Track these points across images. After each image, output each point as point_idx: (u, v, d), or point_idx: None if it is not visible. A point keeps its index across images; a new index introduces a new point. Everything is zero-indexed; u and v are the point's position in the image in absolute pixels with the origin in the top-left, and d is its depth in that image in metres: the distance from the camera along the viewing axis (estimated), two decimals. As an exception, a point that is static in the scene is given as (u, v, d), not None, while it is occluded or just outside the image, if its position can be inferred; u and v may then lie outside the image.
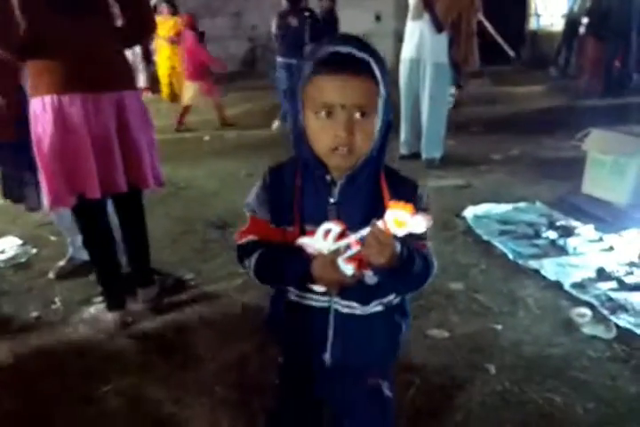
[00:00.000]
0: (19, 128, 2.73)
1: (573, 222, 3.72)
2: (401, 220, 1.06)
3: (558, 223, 3.70)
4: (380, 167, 1.28)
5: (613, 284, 2.94)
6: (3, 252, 3.62)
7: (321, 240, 1.20)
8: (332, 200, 1.26)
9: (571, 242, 3.41)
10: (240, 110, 8.21)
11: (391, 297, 1.36)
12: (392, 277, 1.20)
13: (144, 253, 2.93)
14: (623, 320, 2.63)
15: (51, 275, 3.27)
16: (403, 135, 5.62)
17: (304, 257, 1.22)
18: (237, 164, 5.59)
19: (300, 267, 1.22)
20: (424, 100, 5.36)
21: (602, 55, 9.42)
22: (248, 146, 6.56)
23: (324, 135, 1.18)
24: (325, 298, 1.32)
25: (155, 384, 2.34)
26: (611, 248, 3.36)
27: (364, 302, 1.33)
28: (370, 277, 1.27)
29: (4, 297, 3.08)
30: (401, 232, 1.08)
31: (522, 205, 4.14)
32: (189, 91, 7.48)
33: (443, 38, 5.17)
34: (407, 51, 5.35)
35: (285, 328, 1.42)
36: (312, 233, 1.22)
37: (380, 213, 1.09)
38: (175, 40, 9.84)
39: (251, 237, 1.35)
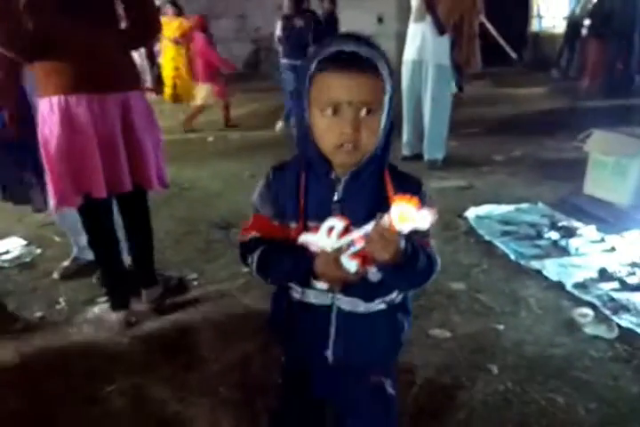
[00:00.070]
0: (21, 129, 2.74)
1: (575, 223, 3.73)
2: (406, 215, 1.05)
3: (560, 224, 3.71)
4: (385, 164, 1.28)
5: (615, 284, 2.95)
6: (7, 252, 3.64)
7: (324, 237, 1.19)
8: (335, 197, 1.26)
9: (573, 243, 3.42)
10: (244, 111, 8.23)
11: (394, 295, 1.37)
12: (396, 273, 1.20)
13: (148, 254, 2.93)
14: (625, 320, 2.64)
15: (55, 275, 3.29)
16: (405, 137, 5.63)
17: (307, 254, 1.22)
18: (241, 164, 5.60)
19: (302, 264, 1.23)
20: (426, 101, 5.37)
21: (604, 57, 9.43)
22: (252, 147, 6.57)
23: (330, 132, 1.18)
24: (328, 295, 1.32)
25: (158, 384, 2.35)
26: (613, 249, 3.37)
27: (368, 300, 1.33)
28: (373, 274, 1.26)
29: (8, 297, 3.08)
30: (406, 228, 1.06)
31: (524, 205, 4.14)
32: (202, 92, 7.51)
33: (445, 40, 5.18)
34: (409, 53, 5.36)
35: (287, 326, 1.42)
36: (316, 230, 1.22)
37: (383, 210, 1.09)
38: (179, 41, 9.86)
39: (254, 234, 1.35)
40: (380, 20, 11.63)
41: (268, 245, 1.32)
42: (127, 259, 2.96)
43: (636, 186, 3.88)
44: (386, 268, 1.18)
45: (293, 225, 1.29)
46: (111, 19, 2.49)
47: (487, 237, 3.62)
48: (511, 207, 4.11)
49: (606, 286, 2.93)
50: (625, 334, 2.58)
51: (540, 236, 3.60)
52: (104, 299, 2.93)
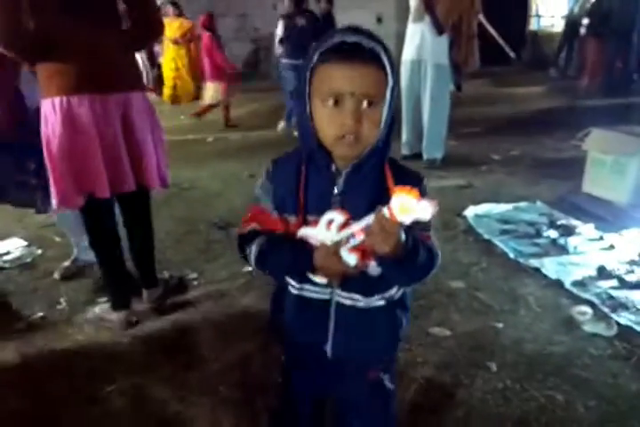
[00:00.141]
0: (19, 131, 2.74)
1: (574, 221, 3.74)
2: (407, 206, 1.04)
3: (559, 222, 3.72)
4: (385, 158, 1.27)
5: (614, 282, 2.96)
6: (8, 253, 3.64)
7: (324, 230, 1.19)
8: (336, 190, 1.26)
9: (571, 241, 3.43)
10: (244, 111, 8.24)
11: (393, 291, 1.36)
12: (396, 267, 1.19)
13: (149, 254, 2.94)
14: (624, 318, 2.65)
15: (56, 275, 3.29)
16: (404, 136, 5.64)
17: (306, 247, 1.22)
18: (241, 165, 5.61)
19: (302, 256, 1.23)
20: (425, 101, 5.38)
21: (603, 56, 9.44)
22: (251, 147, 6.58)
23: (331, 124, 1.18)
24: (327, 290, 1.32)
25: (159, 384, 2.36)
26: (611, 247, 3.38)
27: (367, 295, 1.33)
28: (373, 268, 1.25)
29: (9, 297, 3.10)
30: (407, 219, 1.05)
31: (522, 204, 4.15)
32: (210, 90, 7.55)
33: (443, 40, 5.19)
34: (408, 53, 5.38)
35: (287, 321, 1.42)
36: (315, 223, 1.22)
37: (384, 204, 1.08)
38: (179, 41, 9.88)
39: (253, 226, 1.35)
40: (379, 20, 11.66)
41: (267, 237, 1.31)
42: (127, 259, 2.96)
43: (634, 184, 3.89)
44: (386, 261, 1.18)
45: (293, 219, 1.29)
46: (113, 19, 2.49)
47: (486, 236, 3.63)
48: (510, 206, 4.12)
49: (605, 284, 2.94)
50: (624, 331, 2.58)
51: (538, 234, 3.61)
52: (104, 299, 2.94)
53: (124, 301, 2.82)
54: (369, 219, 1.10)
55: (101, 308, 2.91)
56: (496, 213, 3.99)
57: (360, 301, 1.33)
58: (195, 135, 7.39)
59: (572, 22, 10.92)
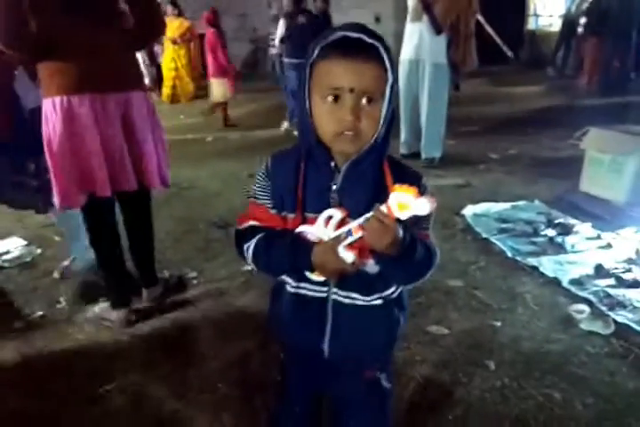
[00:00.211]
0: (15, 131, 2.74)
1: (571, 220, 3.75)
2: (405, 203, 1.05)
3: (557, 221, 3.74)
4: (384, 155, 1.27)
5: (611, 280, 2.97)
6: (8, 252, 3.65)
7: (322, 227, 1.19)
8: (334, 187, 1.26)
9: (569, 240, 3.45)
10: (243, 111, 8.25)
11: (390, 290, 1.36)
12: (394, 265, 1.20)
13: (149, 254, 2.95)
14: (621, 316, 2.66)
15: (55, 275, 3.30)
16: (402, 135, 5.65)
17: (305, 243, 1.22)
18: (240, 164, 5.61)
19: (300, 252, 1.22)
20: (423, 100, 5.39)
21: (600, 55, 9.44)
22: (251, 147, 6.58)
23: (330, 120, 1.18)
24: (324, 288, 1.32)
25: (158, 382, 2.37)
26: (609, 246, 3.39)
27: (364, 294, 1.32)
28: (371, 267, 1.25)
29: (9, 297, 3.11)
30: (405, 215, 1.06)
31: (520, 203, 4.17)
32: (217, 88, 7.58)
33: (441, 39, 5.19)
34: (406, 52, 5.39)
35: (284, 320, 1.41)
36: (313, 221, 1.22)
37: (382, 201, 1.09)
38: (178, 41, 9.88)
39: (251, 223, 1.34)
40: (378, 19, 11.67)
41: (265, 233, 1.30)
42: (127, 259, 2.97)
43: (631, 183, 3.90)
44: (383, 259, 1.18)
45: (291, 216, 1.29)
46: (114, 18, 2.50)
47: (484, 235, 3.64)
48: (508, 205, 4.13)
49: (602, 283, 2.96)
50: (621, 329, 2.60)
51: (536, 233, 3.62)
52: (104, 298, 2.94)
53: (123, 299, 2.83)
54: (367, 215, 1.10)
55: (101, 307, 2.91)
56: (494, 211, 4.01)
57: (357, 299, 1.33)
58: (194, 135, 7.40)
59: (569, 21, 10.94)
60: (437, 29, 5.09)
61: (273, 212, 1.32)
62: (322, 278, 1.26)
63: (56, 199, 2.51)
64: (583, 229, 3.60)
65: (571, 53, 11.20)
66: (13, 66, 2.67)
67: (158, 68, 10.64)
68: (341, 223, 1.18)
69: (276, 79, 8.56)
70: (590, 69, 9.71)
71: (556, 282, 3.02)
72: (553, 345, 2.52)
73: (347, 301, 1.33)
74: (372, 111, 1.18)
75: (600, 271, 3.05)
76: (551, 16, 13.30)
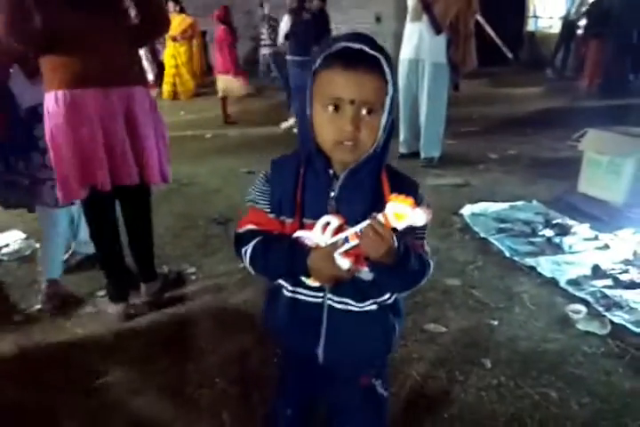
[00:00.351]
0: (10, 130, 2.73)
1: (569, 221, 3.77)
2: (401, 212, 1.07)
3: (554, 222, 3.75)
4: (382, 164, 1.28)
5: (608, 281, 2.98)
6: (7, 245, 3.65)
7: (319, 233, 1.21)
8: (332, 194, 1.26)
9: (566, 240, 3.46)
10: (243, 108, 8.25)
11: (385, 297, 1.36)
12: (388, 273, 1.21)
13: (148, 249, 2.95)
14: (618, 317, 2.67)
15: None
16: (402, 135, 5.66)
17: (301, 249, 1.23)
18: (239, 161, 5.62)
19: (297, 258, 1.23)
20: (422, 100, 5.40)
21: (600, 56, 9.46)
22: (250, 144, 6.60)
23: (330, 129, 1.19)
24: (319, 294, 1.33)
25: (156, 376, 2.37)
26: (606, 246, 3.40)
27: (359, 300, 1.33)
28: (366, 274, 1.26)
29: (8, 290, 3.11)
30: (401, 225, 1.08)
31: (519, 203, 4.18)
32: (230, 84, 7.64)
33: (441, 39, 5.20)
34: (406, 52, 5.40)
35: (279, 324, 1.41)
36: (311, 226, 1.23)
37: (379, 209, 1.11)
38: (178, 39, 9.88)
39: (249, 227, 1.35)
40: (378, 19, 11.69)
41: (262, 237, 1.31)
42: (127, 254, 2.97)
43: (629, 185, 3.91)
44: (378, 267, 1.19)
45: (289, 221, 1.30)
46: (119, 14, 2.50)
47: (482, 235, 3.65)
48: (506, 205, 4.14)
49: (599, 283, 2.96)
50: (617, 330, 2.61)
51: (534, 233, 3.63)
52: (103, 292, 2.95)
53: (122, 293, 2.83)
54: (363, 224, 1.12)
55: (99, 301, 2.92)
56: (492, 211, 4.02)
57: (352, 305, 1.33)
58: (194, 131, 7.40)
59: (568, 23, 10.97)
60: (437, 29, 5.10)
61: (271, 216, 1.33)
62: (317, 284, 1.28)
63: (59, 193, 2.52)
64: (581, 229, 3.61)
65: (570, 55, 11.23)
66: (9, 64, 2.66)
67: (160, 65, 10.63)
68: (338, 230, 1.19)
69: (271, 79, 8.57)
70: (591, 72, 9.72)
71: (553, 282, 3.03)
72: (549, 345, 2.53)
73: (341, 306, 1.33)
74: (371, 122, 1.19)
75: (597, 272, 3.06)
76: (551, 18, 13.34)
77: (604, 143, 4.13)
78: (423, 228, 1.22)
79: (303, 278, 1.29)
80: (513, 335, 2.60)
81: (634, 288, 2.90)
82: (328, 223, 1.20)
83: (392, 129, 1.25)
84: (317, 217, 1.23)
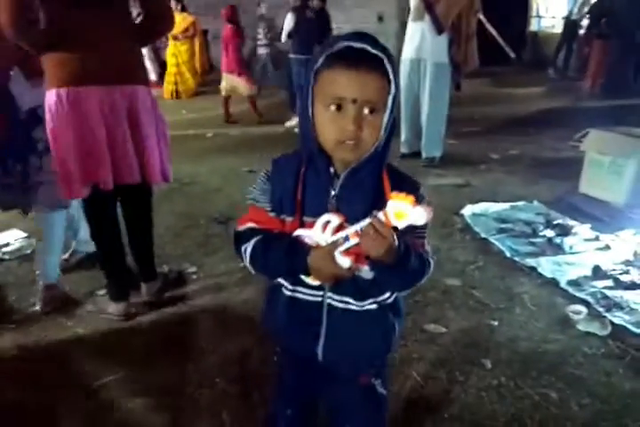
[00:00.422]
0: (9, 132, 2.73)
1: (570, 222, 3.76)
2: (402, 211, 1.06)
3: (555, 222, 3.74)
4: (384, 163, 1.28)
5: (609, 282, 2.98)
6: (7, 244, 3.66)
7: (319, 232, 1.20)
8: (333, 192, 1.26)
9: (567, 241, 3.46)
10: (244, 108, 8.25)
11: (386, 295, 1.36)
12: (388, 272, 1.21)
13: (149, 249, 2.95)
14: (618, 318, 2.67)
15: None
16: (403, 135, 5.65)
17: (302, 247, 1.23)
18: (240, 160, 5.62)
19: (297, 257, 1.23)
20: (424, 99, 5.40)
21: (603, 57, 9.44)
22: (251, 143, 6.60)
23: (332, 128, 1.19)
24: (319, 292, 1.32)
25: (156, 376, 2.37)
26: (607, 247, 3.40)
27: (359, 299, 1.32)
28: (366, 273, 1.26)
29: (8, 289, 3.11)
30: (401, 224, 1.08)
31: (520, 203, 4.17)
32: (239, 84, 7.65)
33: (443, 39, 5.19)
34: (408, 51, 5.39)
35: (279, 323, 1.41)
36: (311, 225, 1.23)
37: (380, 208, 1.10)
38: (179, 38, 9.87)
39: (249, 225, 1.35)
40: (381, 18, 11.67)
41: (263, 236, 1.31)
42: (127, 253, 2.97)
43: (631, 185, 3.91)
44: (378, 265, 1.19)
45: (289, 220, 1.30)
46: (123, 12, 2.50)
47: (483, 235, 3.65)
48: (507, 205, 4.14)
49: (600, 284, 2.96)
50: (618, 331, 2.60)
51: (535, 234, 3.63)
52: (103, 291, 2.95)
53: (122, 293, 2.83)
54: (364, 222, 1.12)
55: (100, 300, 2.93)
56: (493, 211, 4.01)
57: (351, 304, 1.33)
58: (195, 130, 7.40)
59: (571, 23, 10.95)
60: (439, 29, 5.09)
61: (272, 215, 1.32)
62: (317, 282, 1.28)
63: (61, 191, 2.52)
64: (582, 230, 3.61)
65: (572, 55, 11.21)
66: (9, 66, 2.66)
67: (162, 64, 10.62)
68: (339, 229, 1.19)
69: (268, 79, 8.58)
70: (594, 72, 9.70)
71: (553, 283, 3.03)
72: (550, 345, 2.53)
73: (341, 305, 1.33)
74: (373, 121, 1.19)
75: (598, 273, 3.06)
76: (553, 18, 13.32)
77: (606, 144, 4.13)
78: (424, 227, 1.21)
79: (303, 277, 1.29)
80: (513, 336, 2.60)
81: (634, 289, 2.90)
82: (328, 222, 1.20)
83: (393, 128, 1.24)
84: (318, 216, 1.23)
